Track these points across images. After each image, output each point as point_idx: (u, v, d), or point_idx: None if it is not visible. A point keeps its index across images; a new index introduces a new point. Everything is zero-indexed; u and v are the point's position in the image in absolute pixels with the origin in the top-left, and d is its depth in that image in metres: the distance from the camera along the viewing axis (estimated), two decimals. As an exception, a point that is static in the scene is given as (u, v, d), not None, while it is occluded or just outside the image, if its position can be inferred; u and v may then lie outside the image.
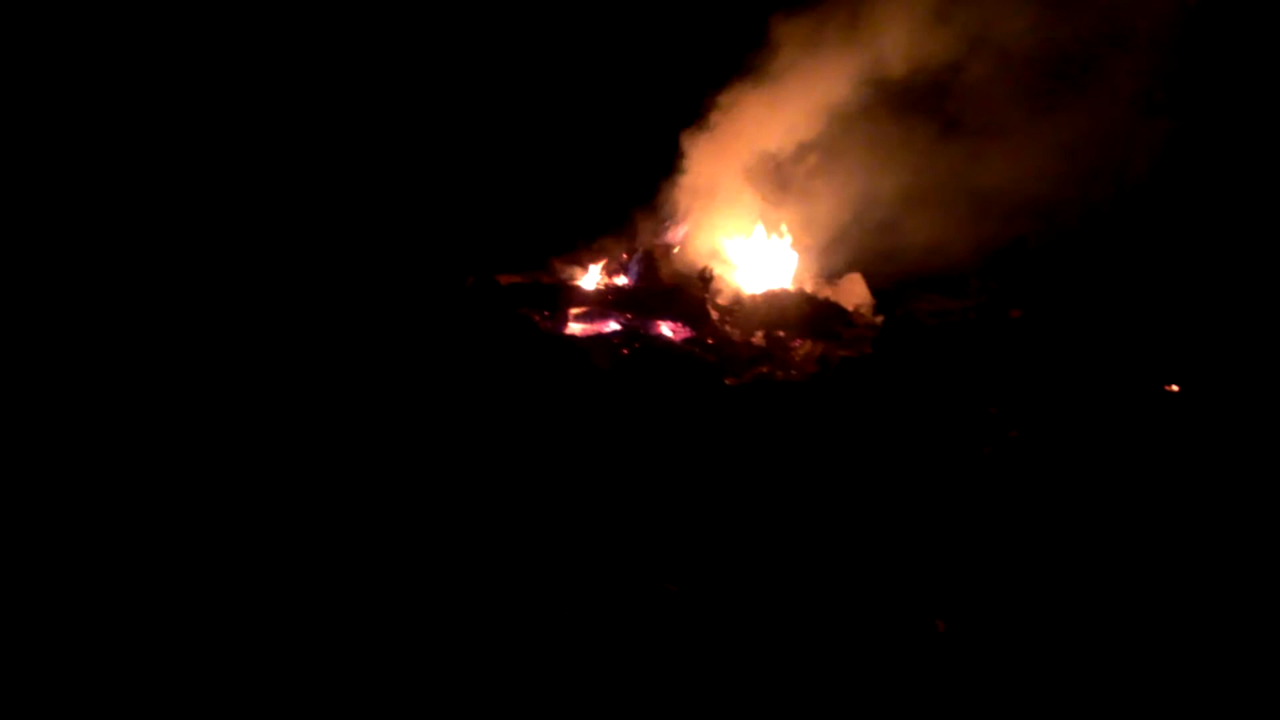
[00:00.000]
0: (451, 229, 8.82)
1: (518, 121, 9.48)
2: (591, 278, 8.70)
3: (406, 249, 8.50)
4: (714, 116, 8.56)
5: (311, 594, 3.77)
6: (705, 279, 8.33)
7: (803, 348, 7.79)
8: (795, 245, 8.81)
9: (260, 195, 8.30)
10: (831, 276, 8.76)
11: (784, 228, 8.75)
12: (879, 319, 8.24)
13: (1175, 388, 6.11)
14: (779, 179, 8.56)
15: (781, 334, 7.96)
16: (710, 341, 7.77)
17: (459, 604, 3.76)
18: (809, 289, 8.59)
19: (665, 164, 8.71)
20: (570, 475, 5.08)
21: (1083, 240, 8.23)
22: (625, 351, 7.38)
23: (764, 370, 7.35)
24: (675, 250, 8.71)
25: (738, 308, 8.26)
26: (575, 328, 7.99)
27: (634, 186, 8.80)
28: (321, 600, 3.74)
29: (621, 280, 8.61)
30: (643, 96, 9.09)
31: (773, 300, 8.28)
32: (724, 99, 8.53)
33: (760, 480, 5.05)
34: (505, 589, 3.86)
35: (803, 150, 8.54)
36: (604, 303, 8.16)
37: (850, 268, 8.73)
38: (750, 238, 8.82)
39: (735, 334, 7.99)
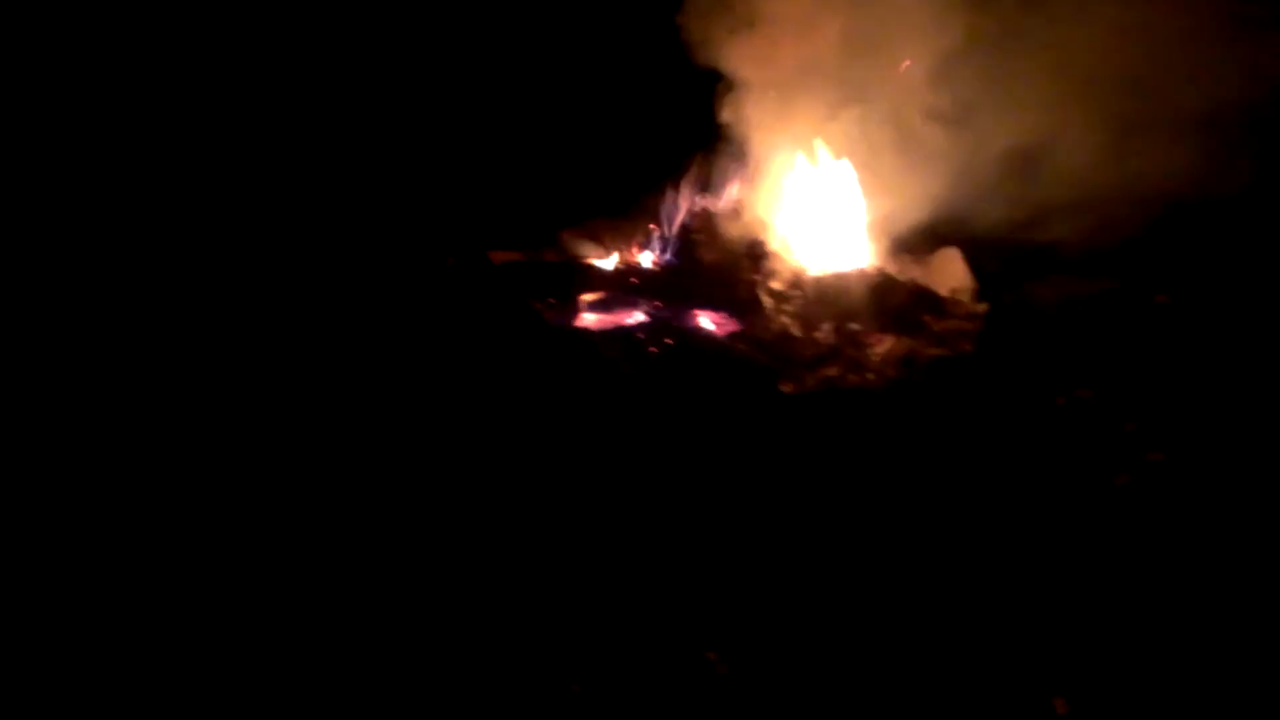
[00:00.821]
0: (431, 196, 7.44)
1: (523, 75, 7.91)
2: (611, 256, 7.32)
3: (375, 223, 7.23)
4: (765, 40, 6.87)
5: (286, 599, 3.86)
6: (756, 256, 6.94)
7: (882, 345, 6.48)
8: (874, 211, 7.19)
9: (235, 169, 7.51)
10: (920, 252, 7.17)
11: (858, 189, 7.14)
12: (982, 307, 6.71)
13: None
14: (856, 124, 7.00)
15: (855, 327, 6.57)
16: (763, 337, 6.55)
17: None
18: (891, 269, 7.05)
19: (703, 113, 7.18)
20: (581, 512, 4.63)
21: (1246, 212, 6.65)
22: (654, 350, 6.30)
23: (832, 374, 6.23)
24: (723, 218, 7.24)
25: (798, 293, 6.80)
26: (590, 319, 6.78)
27: (665, 144, 7.40)
28: (294, 607, 3.83)
29: (650, 258, 7.25)
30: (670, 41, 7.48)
31: (843, 283, 6.80)
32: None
33: (828, 520, 4.57)
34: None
35: (883, 81, 6.93)
36: (627, 287, 6.93)
37: (945, 241, 7.06)
38: (816, 203, 7.25)
39: (795, 327, 6.64)
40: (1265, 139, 6.56)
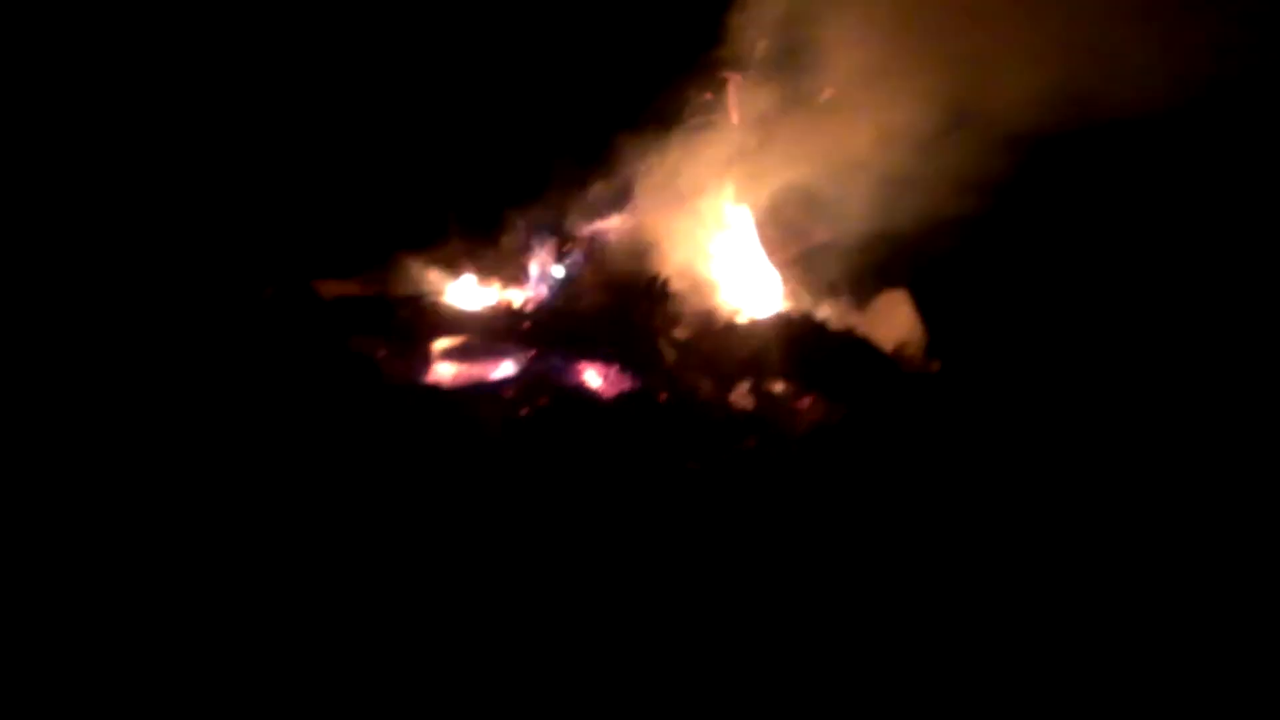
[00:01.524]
0: (240, 205, 6.18)
1: (366, 61, 6.68)
2: (472, 289, 6.22)
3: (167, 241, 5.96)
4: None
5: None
6: (656, 296, 5.87)
7: (811, 410, 5.53)
8: (804, 242, 6.22)
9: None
10: (860, 294, 6.21)
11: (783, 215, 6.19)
12: (935, 365, 5.85)
13: None
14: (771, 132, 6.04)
15: (779, 387, 5.60)
16: (663, 397, 5.49)
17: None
18: (823, 315, 6.07)
19: (595, 113, 6.16)
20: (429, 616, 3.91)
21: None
22: (525, 411, 5.30)
23: (749, 445, 5.28)
24: (615, 247, 6.23)
25: (708, 343, 5.79)
26: (444, 372, 5.70)
27: (544, 150, 6.26)
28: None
29: (522, 295, 6.16)
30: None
31: (764, 332, 5.80)
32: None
33: (746, 634, 3.88)
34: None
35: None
36: (493, 331, 5.88)
37: (889, 279, 6.10)
38: (729, 230, 6.26)
39: (704, 386, 5.61)
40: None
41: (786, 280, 6.23)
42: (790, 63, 5.96)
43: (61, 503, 4.34)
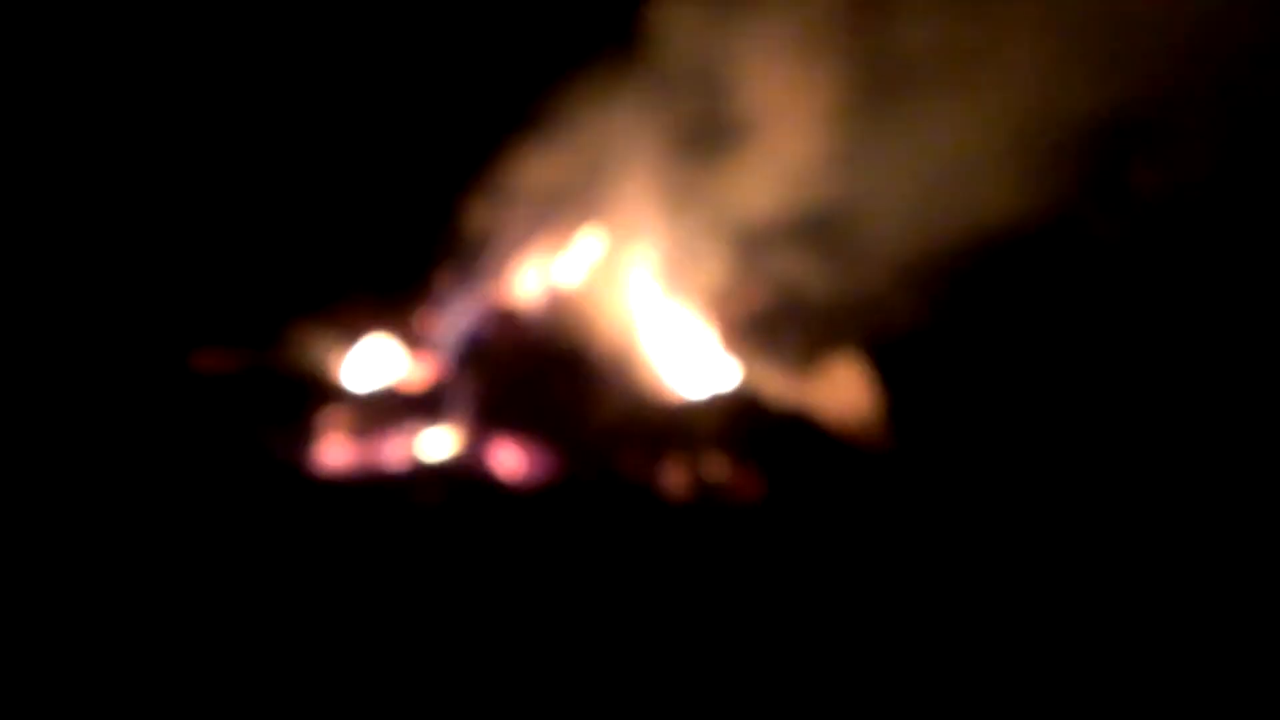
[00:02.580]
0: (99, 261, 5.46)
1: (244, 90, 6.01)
2: (366, 359, 5.54)
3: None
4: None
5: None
6: (580, 365, 5.34)
7: (752, 490, 5.00)
8: (739, 306, 5.59)
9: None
10: (806, 357, 5.52)
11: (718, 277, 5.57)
12: (884, 440, 5.22)
13: None
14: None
15: (716, 466, 5.05)
16: (588, 479, 5.04)
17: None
18: (764, 382, 5.44)
19: (507, 156, 5.51)
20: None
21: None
22: (432, 502, 4.88)
23: (682, 537, 4.75)
24: (534, 314, 5.61)
25: (637, 418, 5.26)
26: (337, 456, 5.11)
27: (451, 197, 5.59)
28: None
29: (426, 367, 5.50)
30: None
31: (698, 404, 5.31)
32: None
33: None
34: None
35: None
36: (394, 408, 5.32)
37: (840, 339, 5.45)
38: (657, 292, 5.68)
39: (633, 466, 5.11)
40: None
41: (724, 346, 5.64)
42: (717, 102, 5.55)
43: None
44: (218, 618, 3.98)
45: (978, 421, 5.10)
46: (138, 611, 4.02)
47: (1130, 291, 5.55)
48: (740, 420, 5.13)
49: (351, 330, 5.54)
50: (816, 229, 5.37)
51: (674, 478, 4.96)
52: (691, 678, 3.86)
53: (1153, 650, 3.80)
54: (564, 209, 5.56)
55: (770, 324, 5.52)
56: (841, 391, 5.29)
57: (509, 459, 5.01)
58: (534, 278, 5.63)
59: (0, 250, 5.41)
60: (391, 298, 5.63)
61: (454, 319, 5.56)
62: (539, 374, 5.33)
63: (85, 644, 3.86)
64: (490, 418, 5.16)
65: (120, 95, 5.78)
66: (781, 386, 5.37)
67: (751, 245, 5.44)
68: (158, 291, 5.44)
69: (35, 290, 5.38)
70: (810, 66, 5.38)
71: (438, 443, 5.03)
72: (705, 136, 5.42)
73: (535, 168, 5.46)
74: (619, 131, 5.37)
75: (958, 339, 5.43)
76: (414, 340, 5.59)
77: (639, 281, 5.60)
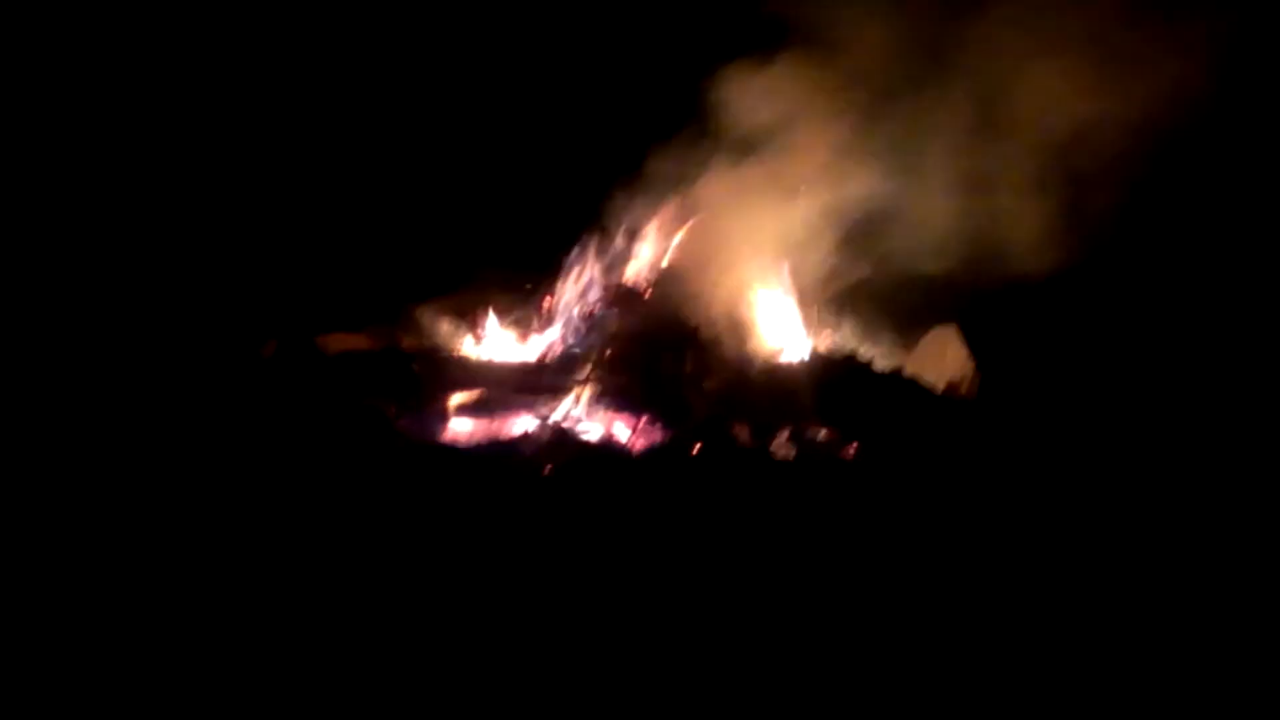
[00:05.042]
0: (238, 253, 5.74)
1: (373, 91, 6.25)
2: (487, 340, 5.77)
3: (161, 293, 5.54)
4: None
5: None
6: (685, 344, 5.38)
7: (857, 458, 5.00)
8: (842, 277, 5.73)
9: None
10: (906, 331, 5.73)
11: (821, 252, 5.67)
12: (989, 404, 5.27)
13: None
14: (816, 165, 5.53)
15: (821, 434, 5.07)
16: (697, 449, 4.97)
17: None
18: (866, 355, 5.58)
19: (617, 151, 5.71)
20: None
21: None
22: (548, 469, 4.82)
23: (788, 499, 4.67)
24: (641, 293, 5.76)
25: (743, 390, 5.28)
26: (460, 429, 5.26)
27: (564, 191, 5.90)
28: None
29: (541, 345, 5.68)
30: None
31: (803, 376, 5.31)
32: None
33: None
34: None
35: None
36: (511, 383, 5.43)
37: (938, 314, 5.57)
38: (763, 271, 5.78)
39: (741, 435, 5.08)
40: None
41: (826, 320, 5.85)
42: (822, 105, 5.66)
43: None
44: (354, 583, 4.06)
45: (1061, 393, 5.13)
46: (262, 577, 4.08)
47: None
48: (846, 386, 5.19)
49: (477, 313, 5.77)
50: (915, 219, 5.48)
51: (779, 443, 5.01)
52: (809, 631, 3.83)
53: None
54: (679, 196, 5.73)
55: (873, 299, 5.65)
56: (943, 360, 5.41)
57: (619, 427, 5.14)
58: (651, 258, 5.81)
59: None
60: (516, 277, 5.84)
61: (567, 305, 5.76)
62: (648, 348, 5.44)
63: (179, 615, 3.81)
64: (598, 392, 5.28)
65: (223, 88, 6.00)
66: (886, 355, 5.50)
67: (854, 229, 5.59)
68: (294, 272, 5.59)
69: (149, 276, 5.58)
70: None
71: (560, 414, 5.15)
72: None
73: (654, 158, 5.59)
74: (730, 125, 5.53)
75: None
76: (532, 324, 5.81)
77: (748, 262, 5.73)
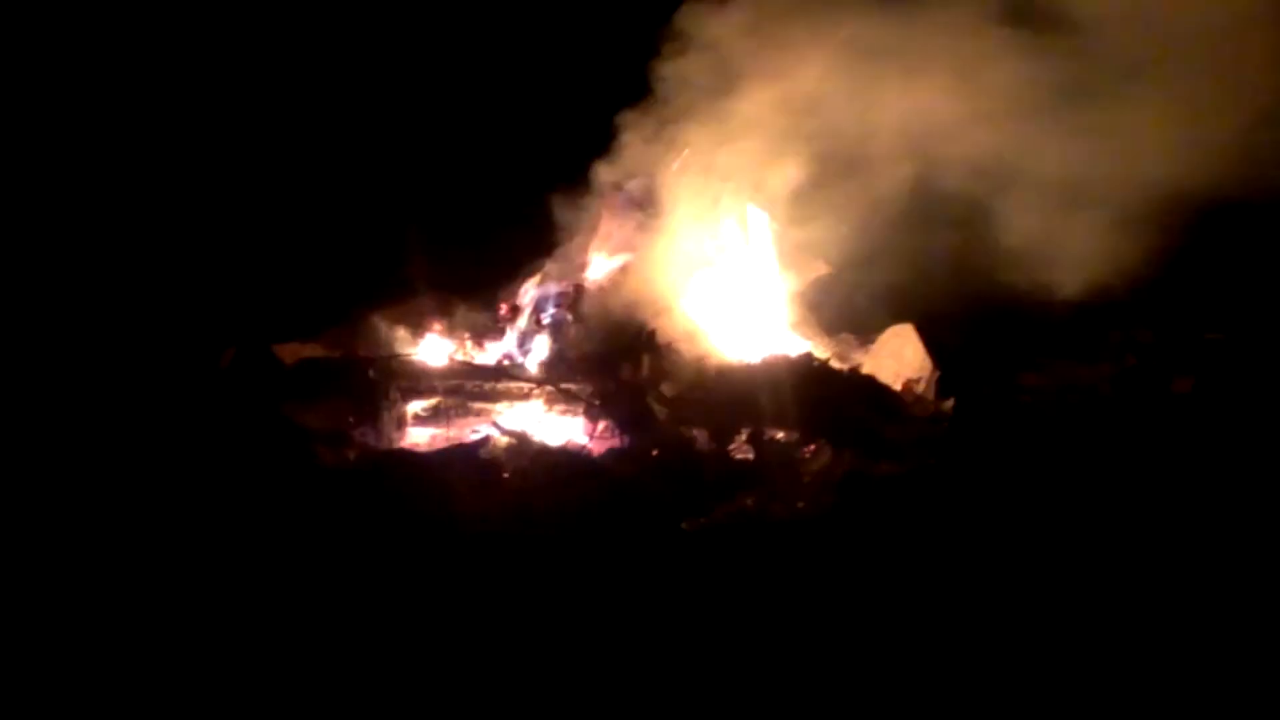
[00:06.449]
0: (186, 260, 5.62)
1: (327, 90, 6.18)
2: (443, 346, 5.68)
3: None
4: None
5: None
6: (645, 343, 5.33)
7: (816, 459, 4.92)
8: (799, 277, 5.68)
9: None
10: (864, 330, 5.70)
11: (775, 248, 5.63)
12: (948, 403, 5.20)
13: None
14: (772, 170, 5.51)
15: (780, 436, 5.02)
16: (656, 454, 4.89)
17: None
18: (825, 354, 5.53)
19: (574, 149, 5.68)
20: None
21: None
22: (505, 476, 4.75)
23: (748, 504, 4.66)
24: (599, 295, 5.71)
25: (701, 392, 5.20)
26: (419, 436, 5.21)
27: (516, 190, 5.86)
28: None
29: (499, 350, 5.63)
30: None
31: (761, 376, 5.23)
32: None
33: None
34: None
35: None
36: (469, 391, 5.39)
37: (897, 314, 5.54)
38: (719, 271, 5.74)
39: (700, 438, 5.00)
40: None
41: (783, 319, 5.77)
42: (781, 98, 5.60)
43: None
44: (310, 590, 4.03)
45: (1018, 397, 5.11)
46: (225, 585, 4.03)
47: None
48: (805, 386, 5.12)
49: (433, 318, 5.71)
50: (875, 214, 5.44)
51: (737, 445, 4.96)
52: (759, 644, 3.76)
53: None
54: (637, 199, 5.69)
55: (830, 297, 5.61)
56: (900, 358, 5.38)
57: (577, 432, 5.09)
58: (608, 261, 5.75)
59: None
60: (469, 292, 5.80)
61: (524, 309, 5.70)
62: (605, 351, 5.41)
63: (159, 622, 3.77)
64: (557, 397, 5.24)
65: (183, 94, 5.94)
66: (843, 353, 5.47)
67: (817, 225, 5.55)
68: (245, 280, 5.51)
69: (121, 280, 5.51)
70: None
71: (517, 418, 5.10)
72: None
73: (611, 162, 5.54)
74: (692, 124, 5.52)
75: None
76: (488, 329, 5.77)
77: (704, 262, 5.69)
